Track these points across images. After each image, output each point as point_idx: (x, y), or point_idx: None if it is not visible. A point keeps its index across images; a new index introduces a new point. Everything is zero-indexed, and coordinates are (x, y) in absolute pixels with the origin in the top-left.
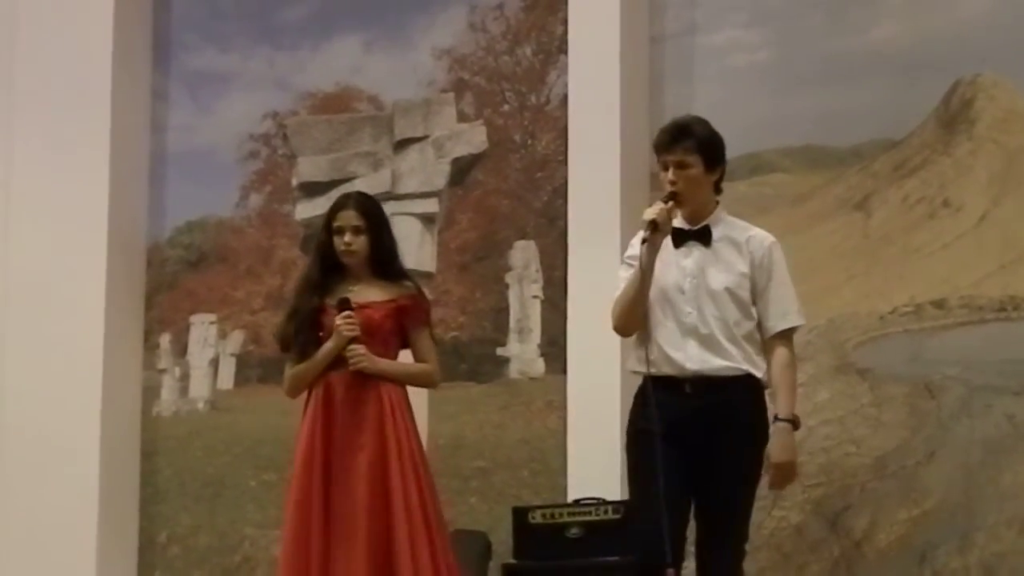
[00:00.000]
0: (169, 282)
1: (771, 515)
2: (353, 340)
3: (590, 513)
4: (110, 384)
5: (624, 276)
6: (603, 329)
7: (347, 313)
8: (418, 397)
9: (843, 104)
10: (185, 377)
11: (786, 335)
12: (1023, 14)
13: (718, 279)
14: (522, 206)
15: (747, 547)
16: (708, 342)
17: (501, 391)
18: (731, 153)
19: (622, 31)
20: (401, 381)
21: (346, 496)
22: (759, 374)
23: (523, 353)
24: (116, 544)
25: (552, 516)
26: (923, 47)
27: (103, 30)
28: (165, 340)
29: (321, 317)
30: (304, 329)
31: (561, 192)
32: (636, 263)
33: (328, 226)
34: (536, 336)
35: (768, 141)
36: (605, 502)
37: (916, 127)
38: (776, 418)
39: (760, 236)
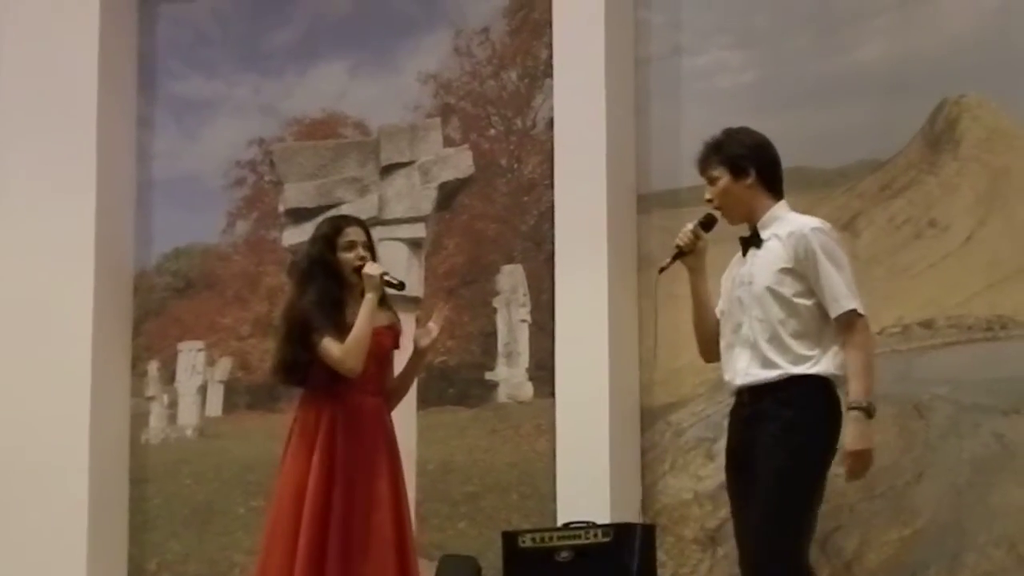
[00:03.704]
0: (156, 309)
1: None
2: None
3: (580, 536)
4: (98, 411)
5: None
6: (591, 352)
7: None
8: (408, 420)
9: (829, 125)
10: (173, 404)
11: (844, 320)
12: (1007, 35)
13: (761, 279)
14: (509, 230)
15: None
16: (755, 350)
17: (490, 415)
18: None
19: (607, 54)
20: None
21: (376, 522)
22: (808, 370)
23: (511, 377)
24: (105, 572)
25: (542, 540)
26: (908, 68)
27: (88, 57)
28: (153, 367)
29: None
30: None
31: (548, 216)
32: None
33: (332, 245)
34: (524, 360)
35: None
36: (595, 525)
37: (902, 147)
38: (848, 407)
39: (799, 227)
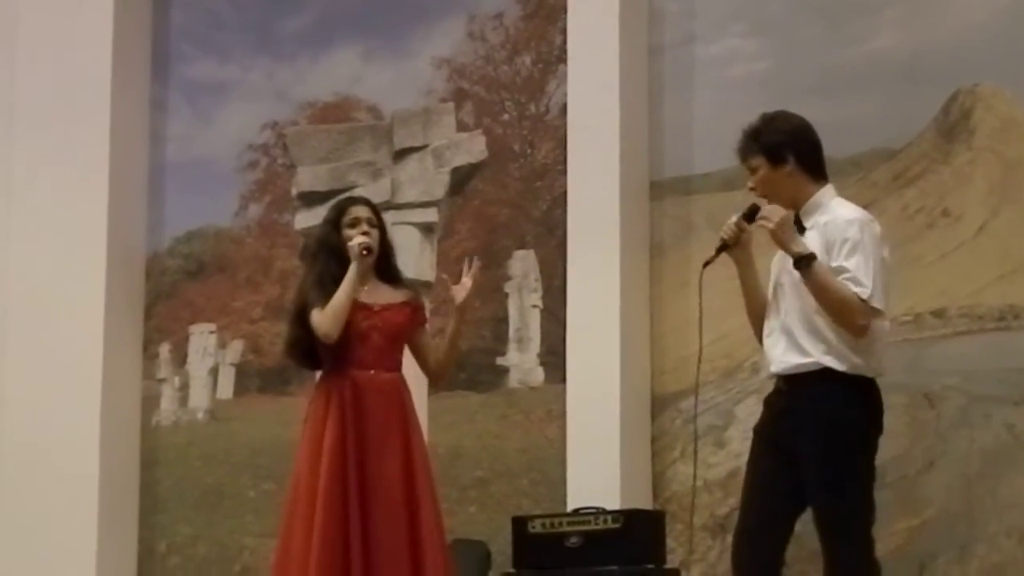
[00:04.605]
0: (168, 292)
1: None
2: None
3: (589, 522)
4: (109, 393)
5: None
6: (602, 339)
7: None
8: (418, 405)
9: (842, 114)
10: (184, 387)
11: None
12: (1021, 24)
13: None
14: (521, 215)
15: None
16: (791, 337)
17: (500, 401)
18: (729, 163)
19: (621, 41)
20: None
21: (387, 502)
22: (842, 367)
23: (522, 362)
24: (116, 554)
25: (551, 525)
26: (922, 57)
27: (102, 41)
28: (164, 350)
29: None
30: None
31: (560, 201)
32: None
33: (337, 225)
34: (535, 345)
35: None
36: (604, 511)
37: (915, 137)
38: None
39: (835, 217)
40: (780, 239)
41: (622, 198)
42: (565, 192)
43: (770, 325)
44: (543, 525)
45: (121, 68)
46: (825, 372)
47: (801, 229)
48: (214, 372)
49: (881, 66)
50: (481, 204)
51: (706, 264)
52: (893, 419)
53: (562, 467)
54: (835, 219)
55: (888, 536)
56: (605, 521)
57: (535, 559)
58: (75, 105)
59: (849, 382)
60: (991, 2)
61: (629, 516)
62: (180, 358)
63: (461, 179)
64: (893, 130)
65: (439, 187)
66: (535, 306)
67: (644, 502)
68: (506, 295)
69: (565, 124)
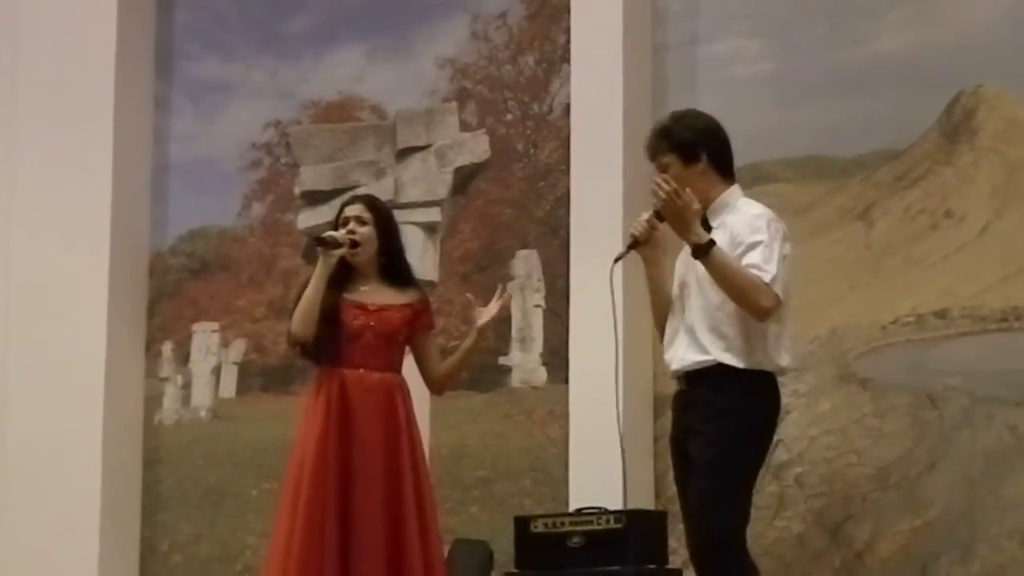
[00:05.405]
0: (171, 290)
1: (773, 525)
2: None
3: (592, 522)
4: (112, 392)
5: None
6: (605, 338)
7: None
8: (421, 405)
9: (845, 114)
10: (187, 385)
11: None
12: None
13: (703, 267)
14: (524, 215)
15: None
16: (693, 335)
17: (503, 400)
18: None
19: (625, 40)
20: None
21: (367, 502)
22: (740, 364)
23: (525, 362)
24: (118, 553)
25: (554, 525)
26: (925, 58)
27: (106, 39)
28: (167, 348)
29: (338, 313)
30: (322, 326)
31: (563, 201)
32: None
33: (336, 226)
34: (538, 345)
35: (770, 151)
36: (607, 511)
37: (918, 138)
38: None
39: (746, 213)
40: (680, 226)
41: (625, 198)
42: (568, 192)
43: (673, 324)
44: (545, 525)
45: (125, 66)
46: (721, 367)
47: (708, 228)
48: (217, 371)
49: (885, 67)
50: (484, 204)
51: (616, 260)
52: (896, 420)
53: (564, 467)
54: (741, 215)
55: (891, 536)
56: (607, 521)
57: (537, 559)
58: (78, 103)
59: (743, 377)
60: (994, 4)
61: (631, 516)
62: (183, 357)
63: (464, 179)
64: (896, 131)
65: (442, 187)
66: (538, 306)
67: (646, 502)
68: (509, 295)
69: (568, 124)
